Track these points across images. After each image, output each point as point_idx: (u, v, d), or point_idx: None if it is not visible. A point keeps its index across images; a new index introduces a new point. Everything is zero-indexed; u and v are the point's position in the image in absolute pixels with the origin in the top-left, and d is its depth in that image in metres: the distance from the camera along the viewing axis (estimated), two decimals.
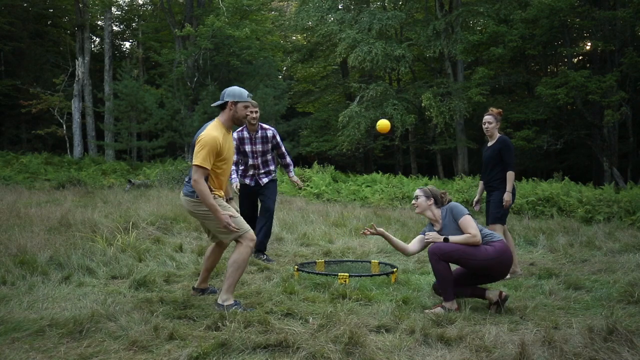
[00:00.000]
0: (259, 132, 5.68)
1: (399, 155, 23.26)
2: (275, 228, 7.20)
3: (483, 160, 5.39)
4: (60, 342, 3.05)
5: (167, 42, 24.72)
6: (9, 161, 17.77)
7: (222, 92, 3.93)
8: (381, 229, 4.14)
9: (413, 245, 4.15)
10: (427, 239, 3.97)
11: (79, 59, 21.63)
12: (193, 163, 3.65)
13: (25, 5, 23.41)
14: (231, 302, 3.72)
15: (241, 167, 5.80)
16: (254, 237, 3.85)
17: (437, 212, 4.07)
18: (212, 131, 3.72)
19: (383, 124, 4.88)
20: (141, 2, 26.89)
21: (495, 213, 5.11)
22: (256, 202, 5.88)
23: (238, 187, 5.69)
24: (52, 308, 3.65)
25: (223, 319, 3.35)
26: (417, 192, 4.16)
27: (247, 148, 5.67)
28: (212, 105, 4.13)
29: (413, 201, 4.18)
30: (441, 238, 3.88)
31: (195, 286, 4.19)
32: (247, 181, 5.75)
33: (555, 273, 4.97)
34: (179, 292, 4.20)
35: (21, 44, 22.41)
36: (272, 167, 5.84)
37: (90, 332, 3.18)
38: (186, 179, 3.89)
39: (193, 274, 4.85)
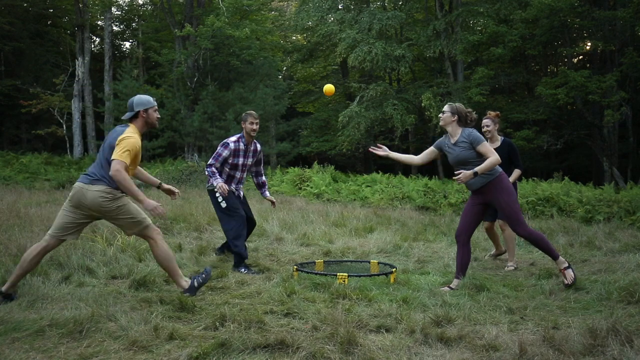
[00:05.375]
0: (252, 145, 5.44)
1: None
2: (275, 228, 7.20)
3: None
4: (60, 342, 3.05)
5: (167, 42, 24.71)
6: (9, 161, 17.76)
7: (129, 102, 4.07)
8: (385, 150, 4.73)
9: (421, 157, 4.75)
10: (458, 179, 4.31)
11: (79, 59, 21.62)
12: (115, 158, 3.76)
13: (25, 5, 23.39)
14: (188, 281, 4.10)
15: (222, 178, 5.31)
16: (157, 228, 4.09)
17: (457, 130, 4.50)
18: (133, 134, 3.91)
19: (328, 88, 5.17)
20: (141, 2, 26.89)
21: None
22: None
23: (224, 188, 5.12)
24: (52, 308, 3.65)
25: (223, 319, 3.36)
26: (445, 107, 4.57)
27: (240, 161, 5.33)
28: (122, 118, 4.15)
29: (440, 114, 4.60)
30: (471, 173, 4.28)
31: (4, 289, 3.84)
32: (233, 188, 5.38)
33: (555, 273, 4.97)
34: (179, 292, 4.20)
35: (21, 44, 22.41)
36: (262, 179, 5.72)
37: (90, 332, 3.18)
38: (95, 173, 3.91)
39: (193, 273, 4.85)
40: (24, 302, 3.75)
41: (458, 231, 4.61)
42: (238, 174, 5.39)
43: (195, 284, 4.07)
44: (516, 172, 5.54)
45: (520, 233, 4.43)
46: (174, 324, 3.32)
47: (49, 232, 3.94)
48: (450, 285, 4.47)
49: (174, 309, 3.66)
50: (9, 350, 2.89)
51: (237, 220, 5.15)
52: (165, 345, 3.01)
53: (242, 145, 5.34)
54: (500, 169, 4.49)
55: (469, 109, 4.59)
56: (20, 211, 7.60)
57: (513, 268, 5.45)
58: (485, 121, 5.63)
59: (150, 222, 4.04)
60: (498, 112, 5.67)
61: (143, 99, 4.05)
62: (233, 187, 5.38)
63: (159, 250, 4.01)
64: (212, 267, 4.79)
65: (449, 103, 4.62)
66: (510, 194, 4.43)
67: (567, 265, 4.45)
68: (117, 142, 3.81)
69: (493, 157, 4.32)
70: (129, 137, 3.84)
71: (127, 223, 3.96)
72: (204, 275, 4.12)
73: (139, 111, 4.02)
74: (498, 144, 5.57)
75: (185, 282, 4.09)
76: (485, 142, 4.41)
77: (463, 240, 4.57)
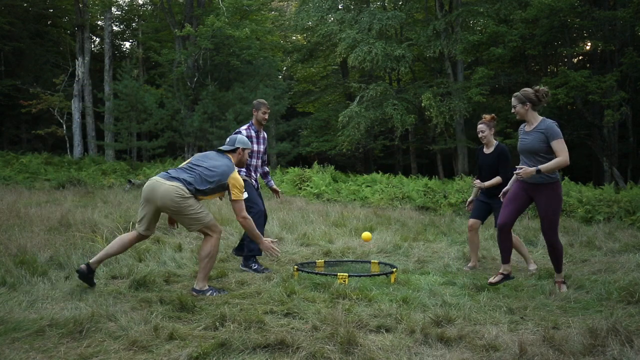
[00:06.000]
0: (262, 132, 5.58)
1: (399, 155, 23.25)
2: (275, 228, 7.20)
3: (480, 166, 5.47)
4: (60, 342, 3.05)
5: (167, 42, 24.71)
6: (9, 161, 17.75)
7: (232, 137, 4.54)
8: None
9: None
10: (518, 173, 4.18)
11: (79, 59, 21.61)
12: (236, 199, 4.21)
13: (25, 5, 23.39)
14: (206, 287, 4.22)
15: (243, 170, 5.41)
16: (221, 229, 4.33)
17: (536, 117, 4.32)
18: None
19: (366, 235, 5.33)
20: (141, 2, 26.89)
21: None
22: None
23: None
24: (52, 308, 3.65)
25: (223, 319, 3.36)
26: (513, 101, 4.38)
27: (255, 147, 5.44)
28: (220, 148, 4.51)
29: (512, 110, 4.42)
30: (533, 170, 4.13)
31: (91, 262, 4.18)
32: (253, 181, 5.49)
33: (555, 273, 4.97)
34: (179, 292, 4.20)
35: (21, 44, 22.40)
36: (266, 169, 5.75)
37: (90, 332, 3.18)
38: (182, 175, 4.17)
39: (194, 272, 4.85)
40: (24, 302, 3.74)
41: (503, 220, 4.41)
42: (254, 161, 5.47)
43: (208, 293, 4.15)
44: (495, 179, 5.19)
45: (549, 237, 4.35)
46: (174, 324, 3.32)
47: (136, 226, 4.31)
48: (502, 271, 4.60)
49: (174, 309, 3.66)
50: (9, 350, 2.89)
51: (255, 213, 5.12)
52: (165, 345, 3.01)
53: (253, 132, 5.46)
54: (558, 175, 4.35)
55: (535, 87, 4.36)
56: (20, 211, 7.59)
57: (534, 268, 5.22)
58: (480, 126, 5.34)
59: (212, 219, 4.22)
60: (493, 115, 5.38)
61: (244, 140, 4.53)
62: (253, 178, 5.45)
63: (208, 246, 4.18)
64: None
65: (513, 95, 4.40)
66: (560, 202, 4.37)
67: (564, 280, 4.51)
68: (232, 183, 4.19)
69: (562, 158, 4.13)
70: (239, 178, 4.25)
71: (190, 221, 4.15)
72: (219, 293, 4.18)
73: (238, 147, 4.47)
74: (492, 149, 5.33)
75: (203, 285, 4.21)
76: (562, 140, 4.16)
77: (507, 230, 4.45)
